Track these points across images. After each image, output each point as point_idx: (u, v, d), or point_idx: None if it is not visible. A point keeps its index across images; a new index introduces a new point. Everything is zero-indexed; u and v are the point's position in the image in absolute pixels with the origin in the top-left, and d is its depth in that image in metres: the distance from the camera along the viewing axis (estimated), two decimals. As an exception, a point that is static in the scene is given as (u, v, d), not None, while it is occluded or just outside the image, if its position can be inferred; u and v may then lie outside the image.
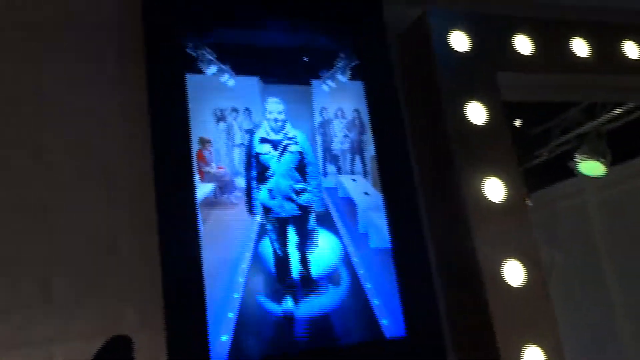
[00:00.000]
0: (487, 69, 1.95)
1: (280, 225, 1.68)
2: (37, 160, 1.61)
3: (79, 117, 1.68)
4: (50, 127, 1.63)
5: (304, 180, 1.74)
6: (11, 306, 1.49)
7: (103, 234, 1.62)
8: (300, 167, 1.74)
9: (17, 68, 1.65)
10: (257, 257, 1.69)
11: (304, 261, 1.66)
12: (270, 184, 1.72)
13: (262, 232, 1.70)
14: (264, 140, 1.77)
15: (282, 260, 1.68)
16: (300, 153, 1.77)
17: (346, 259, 1.75)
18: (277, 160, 1.74)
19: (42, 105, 1.64)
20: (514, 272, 1.74)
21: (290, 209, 1.69)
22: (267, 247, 1.68)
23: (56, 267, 1.56)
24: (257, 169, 1.74)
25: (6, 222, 1.53)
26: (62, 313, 1.53)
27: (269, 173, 1.76)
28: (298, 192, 1.73)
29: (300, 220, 1.70)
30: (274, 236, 1.73)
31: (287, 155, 1.75)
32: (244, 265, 1.67)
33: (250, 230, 1.67)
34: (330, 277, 1.70)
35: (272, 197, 1.73)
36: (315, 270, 1.68)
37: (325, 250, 1.72)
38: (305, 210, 1.72)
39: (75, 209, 1.60)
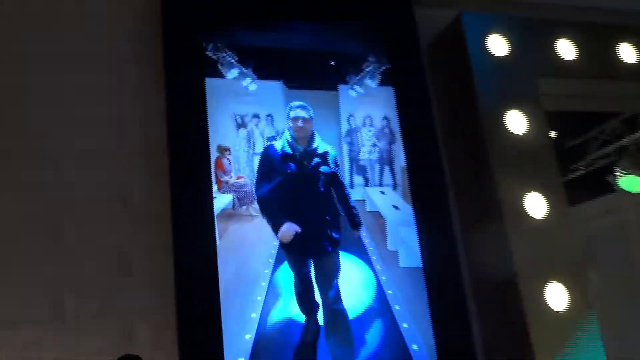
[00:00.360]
0: (527, 75, 1.83)
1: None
2: (52, 174, 1.54)
3: (96, 127, 1.60)
4: (65, 137, 1.57)
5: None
6: (22, 323, 1.43)
7: (116, 252, 1.54)
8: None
9: (33, 79, 1.60)
10: (277, 274, 1.60)
11: (326, 279, 1.55)
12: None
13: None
14: (286, 157, 1.66)
15: (305, 278, 1.57)
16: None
17: (373, 279, 1.64)
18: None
19: (58, 116, 1.57)
20: (557, 295, 1.61)
21: None
22: (289, 263, 1.58)
23: (68, 285, 1.49)
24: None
25: (20, 239, 1.48)
26: (73, 331, 1.47)
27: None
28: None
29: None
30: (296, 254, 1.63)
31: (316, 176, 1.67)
32: (264, 282, 1.57)
33: (270, 245, 1.56)
34: (356, 298, 1.59)
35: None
36: (339, 290, 1.56)
37: (350, 269, 1.62)
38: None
39: (89, 225, 1.53)
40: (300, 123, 1.65)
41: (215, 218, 1.56)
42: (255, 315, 1.53)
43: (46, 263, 1.47)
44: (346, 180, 1.66)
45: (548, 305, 1.60)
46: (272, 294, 1.58)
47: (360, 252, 1.66)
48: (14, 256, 1.46)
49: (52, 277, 1.47)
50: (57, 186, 1.52)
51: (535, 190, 1.69)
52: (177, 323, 1.46)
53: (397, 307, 1.65)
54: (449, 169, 1.78)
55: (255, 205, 1.58)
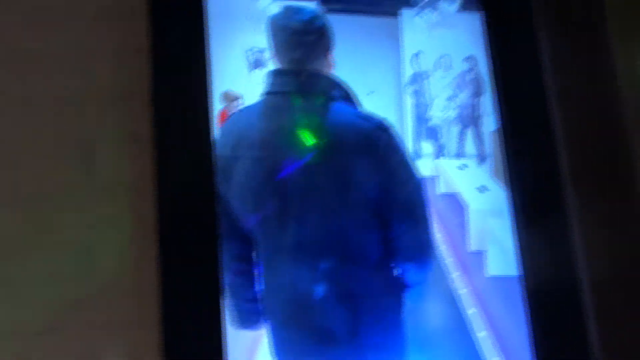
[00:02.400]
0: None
1: None
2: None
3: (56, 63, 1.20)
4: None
5: None
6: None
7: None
8: None
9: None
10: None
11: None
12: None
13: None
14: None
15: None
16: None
17: (448, 293, 1.19)
18: None
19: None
20: None
21: None
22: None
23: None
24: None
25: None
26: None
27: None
28: None
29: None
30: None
31: None
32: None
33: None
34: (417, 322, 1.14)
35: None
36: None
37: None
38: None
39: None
40: None
41: (216, 197, 1.15)
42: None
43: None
44: (410, 147, 1.23)
45: None
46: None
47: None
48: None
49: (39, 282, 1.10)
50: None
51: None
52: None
53: (481, 333, 1.20)
54: (564, 135, 1.30)
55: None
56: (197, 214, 1.12)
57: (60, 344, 1.11)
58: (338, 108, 0.87)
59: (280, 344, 1.02)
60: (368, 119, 0.86)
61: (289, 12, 0.91)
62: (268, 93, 0.87)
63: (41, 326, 1.11)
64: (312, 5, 1.11)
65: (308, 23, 0.89)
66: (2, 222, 1.15)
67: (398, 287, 1.03)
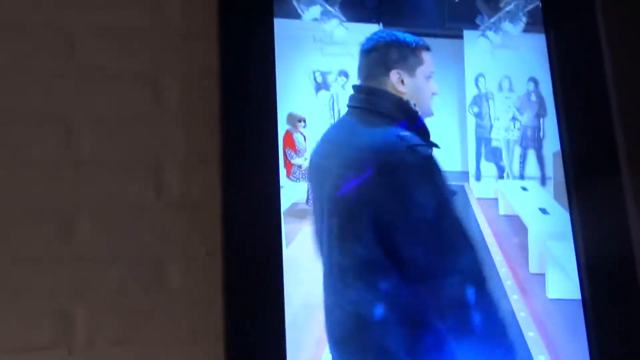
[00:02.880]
0: None
1: None
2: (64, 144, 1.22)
3: (119, 87, 1.26)
4: (81, 101, 1.24)
5: None
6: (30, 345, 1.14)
7: (145, 258, 1.21)
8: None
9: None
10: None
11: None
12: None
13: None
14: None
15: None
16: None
17: (509, 314, 1.20)
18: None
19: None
20: None
21: None
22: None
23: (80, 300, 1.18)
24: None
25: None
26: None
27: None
28: None
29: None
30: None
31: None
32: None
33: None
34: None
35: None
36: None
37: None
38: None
39: (109, 221, 1.19)
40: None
41: (282, 216, 1.19)
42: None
43: (51, 269, 1.16)
44: (472, 169, 1.24)
45: None
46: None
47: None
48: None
49: (56, 287, 1.16)
50: (68, 163, 1.20)
51: None
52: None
53: (541, 357, 1.20)
54: (627, 155, 1.28)
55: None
56: (262, 228, 1.17)
57: (134, 354, 1.18)
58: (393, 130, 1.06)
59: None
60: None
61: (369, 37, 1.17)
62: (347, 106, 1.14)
63: (117, 336, 1.18)
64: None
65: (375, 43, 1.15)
66: (78, 236, 1.22)
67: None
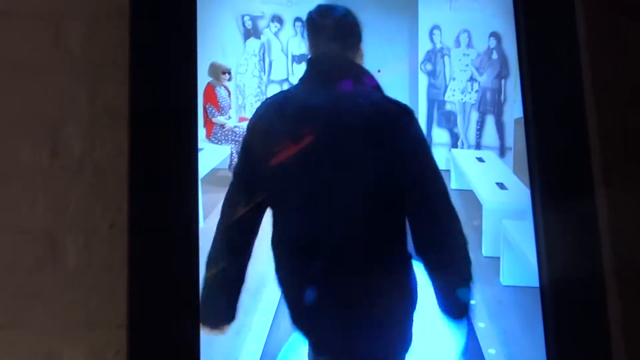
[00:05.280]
0: None
1: None
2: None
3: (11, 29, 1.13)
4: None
5: None
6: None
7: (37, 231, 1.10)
8: None
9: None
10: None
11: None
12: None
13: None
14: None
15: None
16: None
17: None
18: None
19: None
20: None
21: None
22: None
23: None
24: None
25: None
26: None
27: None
28: None
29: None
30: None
31: None
32: (272, 294, 1.07)
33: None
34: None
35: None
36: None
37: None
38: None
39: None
40: None
41: (199, 184, 1.08)
42: (255, 348, 1.05)
43: None
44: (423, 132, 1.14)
45: None
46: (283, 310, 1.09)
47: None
48: None
49: None
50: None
51: None
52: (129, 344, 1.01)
53: (491, 350, 1.12)
54: (599, 125, 1.19)
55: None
56: (176, 198, 1.06)
57: (22, 340, 1.07)
58: (369, 93, 1.03)
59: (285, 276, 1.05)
60: (396, 103, 1.01)
61: (324, 10, 1.07)
62: (305, 79, 1.03)
63: (1, 319, 1.07)
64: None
65: (342, 18, 1.07)
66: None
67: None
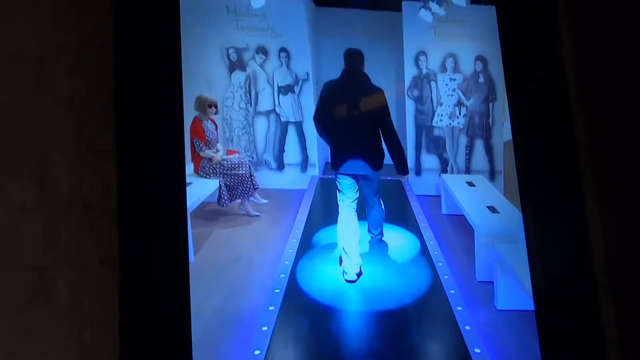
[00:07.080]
0: None
1: None
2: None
3: None
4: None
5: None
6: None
7: (26, 268, 1.08)
8: None
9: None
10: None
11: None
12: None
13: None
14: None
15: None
16: None
17: (455, 327, 1.10)
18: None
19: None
20: None
21: None
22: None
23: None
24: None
25: None
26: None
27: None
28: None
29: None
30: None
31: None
32: (265, 327, 1.07)
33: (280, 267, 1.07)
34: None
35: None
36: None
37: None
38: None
39: None
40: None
41: (188, 218, 1.07)
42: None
43: None
44: (409, 163, 1.13)
45: None
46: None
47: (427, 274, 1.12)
48: None
49: None
50: None
51: None
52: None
53: None
54: (589, 145, 1.18)
55: (259, 200, 1.08)
56: (165, 233, 1.06)
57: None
58: (367, 81, 2.18)
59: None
60: (378, 87, 2.18)
61: (350, 49, 2.26)
62: (343, 74, 2.17)
63: None
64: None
65: (358, 52, 2.22)
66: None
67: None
